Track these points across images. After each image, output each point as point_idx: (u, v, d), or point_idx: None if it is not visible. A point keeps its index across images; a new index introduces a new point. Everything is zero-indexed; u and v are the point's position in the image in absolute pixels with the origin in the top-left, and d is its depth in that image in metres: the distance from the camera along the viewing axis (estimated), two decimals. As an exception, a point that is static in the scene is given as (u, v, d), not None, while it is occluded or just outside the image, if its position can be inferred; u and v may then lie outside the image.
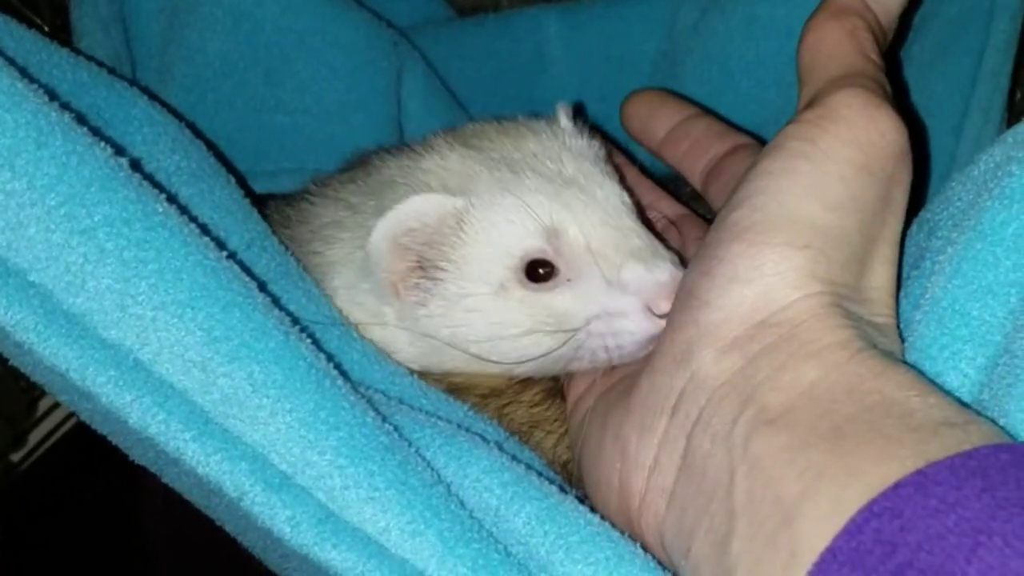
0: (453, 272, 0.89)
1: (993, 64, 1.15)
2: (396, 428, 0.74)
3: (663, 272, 0.85)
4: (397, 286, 0.90)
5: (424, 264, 0.89)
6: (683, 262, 0.90)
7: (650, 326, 0.84)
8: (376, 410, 0.74)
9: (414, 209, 0.87)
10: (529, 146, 0.94)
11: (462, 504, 0.71)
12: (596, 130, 1.05)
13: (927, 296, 0.73)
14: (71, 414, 1.38)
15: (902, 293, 0.76)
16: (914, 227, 0.83)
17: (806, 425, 0.60)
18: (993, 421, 0.62)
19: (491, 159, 0.92)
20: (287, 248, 0.94)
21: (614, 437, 0.76)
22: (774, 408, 0.62)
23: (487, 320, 0.88)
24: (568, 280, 0.88)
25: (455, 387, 0.92)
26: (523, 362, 0.89)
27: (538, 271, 0.88)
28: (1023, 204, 0.70)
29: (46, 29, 1.20)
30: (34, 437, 1.34)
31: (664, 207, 1.07)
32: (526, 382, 0.94)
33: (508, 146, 0.94)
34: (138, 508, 1.35)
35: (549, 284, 0.88)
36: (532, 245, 0.88)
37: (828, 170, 0.69)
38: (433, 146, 0.95)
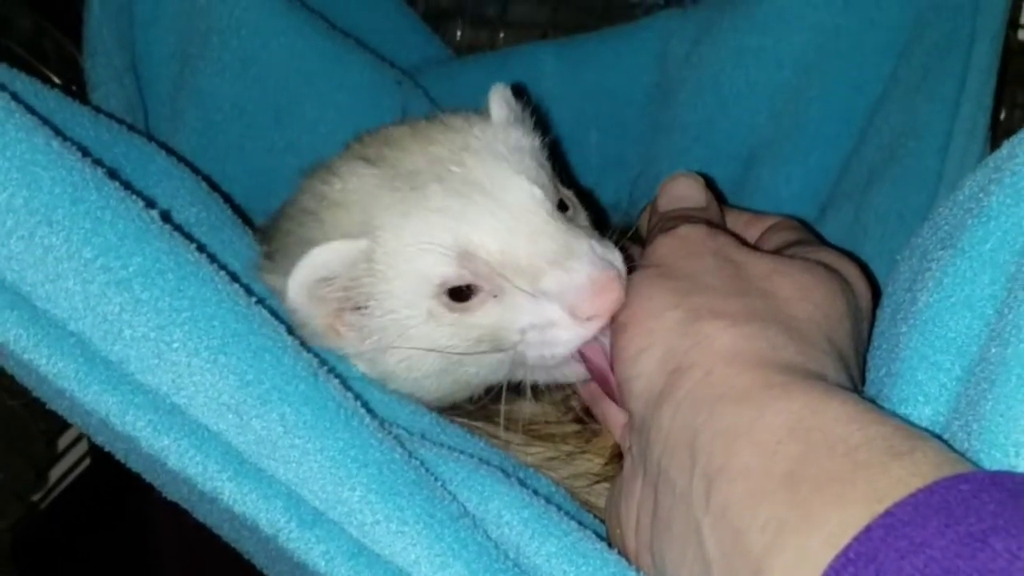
0: (380, 307, 0.88)
1: (976, 86, 1.18)
2: (422, 463, 0.76)
3: (578, 274, 0.83)
4: (334, 326, 0.90)
5: (352, 303, 0.89)
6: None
7: (581, 331, 0.83)
8: (403, 446, 0.77)
9: (318, 262, 0.86)
10: (435, 150, 0.90)
11: (488, 536, 0.74)
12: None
13: (912, 310, 0.77)
14: (87, 453, 1.41)
15: (900, 316, 0.80)
16: (906, 252, 0.86)
17: (759, 471, 0.62)
18: (968, 427, 0.65)
19: (395, 178, 0.89)
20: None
21: (615, 505, 0.81)
22: (721, 455, 0.65)
23: (424, 347, 0.88)
24: (494, 296, 0.86)
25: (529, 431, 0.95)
26: (476, 376, 0.90)
27: (460, 292, 0.86)
28: (999, 221, 0.72)
29: (57, 81, 1.24)
30: (54, 474, 1.36)
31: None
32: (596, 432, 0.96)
33: (415, 154, 0.91)
34: (156, 543, 1.37)
35: (476, 302, 0.86)
36: (446, 273, 0.86)
37: None
38: (339, 171, 0.93)
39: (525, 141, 0.96)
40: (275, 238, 0.97)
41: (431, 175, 0.88)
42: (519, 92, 1.03)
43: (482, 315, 0.87)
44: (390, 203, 0.87)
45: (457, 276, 0.86)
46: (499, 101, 1.00)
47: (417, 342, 0.88)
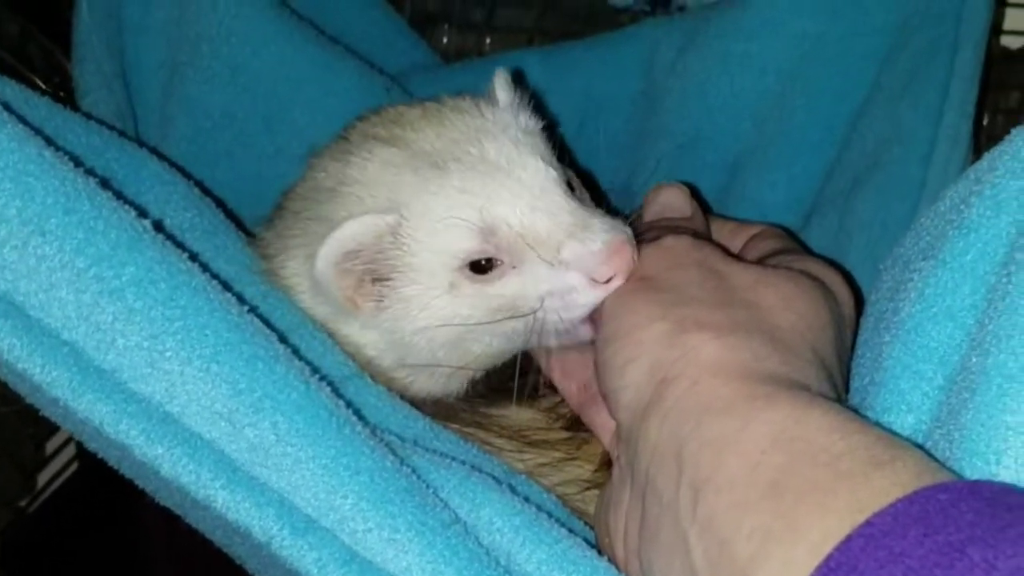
0: (402, 278, 0.92)
1: (959, 94, 1.19)
2: (413, 470, 0.77)
3: (595, 242, 0.88)
4: (354, 299, 0.93)
5: (374, 275, 0.92)
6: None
7: (599, 293, 0.88)
8: (395, 453, 0.77)
9: (349, 234, 0.89)
10: (450, 133, 0.95)
11: (479, 543, 0.74)
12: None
13: (894, 320, 0.78)
14: (75, 456, 1.41)
15: (883, 325, 0.81)
16: (889, 261, 0.88)
17: (744, 481, 0.63)
18: (949, 435, 0.67)
19: (414, 157, 0.93)
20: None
21: (604, 513, 0.82)
22: (707, 465, 0.66)
23: (445, 317, 0.92)
24: (513, 267, 0.91)
25: (518, 436, 0.96)
26: (490, 346, 0.94)
27: (481, 264, 0.91)
28: (979, 234, 0.74)
29: (44, 87, 1.24)
30: (41, 478, 1.36)
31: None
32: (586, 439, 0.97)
33: (430, 135, 0.95)
34: (146, 546, 1.38)
35: (496, 273, 0.91)
36: (470, 247, 0.90)
37: None
38: (358, 150, 0.96)
39: (532, 124, 1.00)
40: (285, 220, 1.00)
41: (450, 155, 0.92)
42: (514, 80, 1.06)
43: (501, 285, 0.91)
44: (414, 181, 0.91)
45: (480, 250, 0.90)
46: (503, 85, 1.03)
47: (438, 312, 0.92)
